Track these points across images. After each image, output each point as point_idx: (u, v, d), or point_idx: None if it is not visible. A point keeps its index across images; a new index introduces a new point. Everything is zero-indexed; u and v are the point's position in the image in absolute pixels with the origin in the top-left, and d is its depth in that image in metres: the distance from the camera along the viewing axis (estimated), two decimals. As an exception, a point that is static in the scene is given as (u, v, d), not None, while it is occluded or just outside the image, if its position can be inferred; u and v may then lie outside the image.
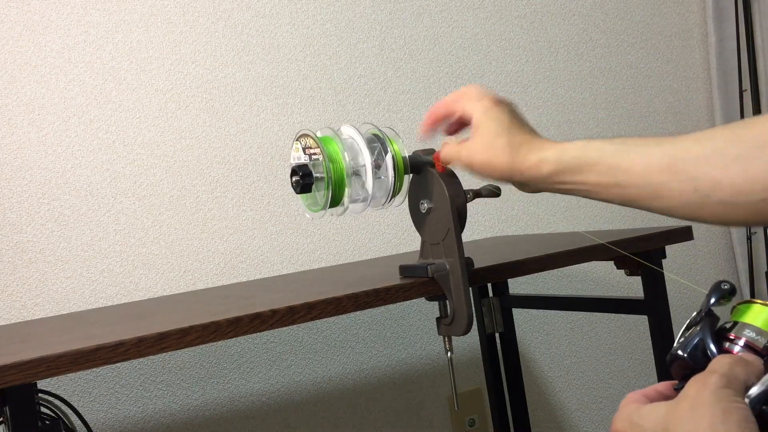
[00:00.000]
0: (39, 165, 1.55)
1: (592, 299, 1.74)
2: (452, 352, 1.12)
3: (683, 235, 1.37)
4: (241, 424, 1.69)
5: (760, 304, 0.62)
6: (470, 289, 1.05)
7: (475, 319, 1.38)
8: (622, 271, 1.39)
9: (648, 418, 0.61)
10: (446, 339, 1.11)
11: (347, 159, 1.02)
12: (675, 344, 0.64)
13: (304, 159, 1.02)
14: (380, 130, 1.05)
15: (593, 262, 1.37)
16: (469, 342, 1.84)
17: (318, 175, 1.01)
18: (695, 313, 0.65)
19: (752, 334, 0.61)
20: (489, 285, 1.74)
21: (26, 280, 1.53)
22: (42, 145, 1.55)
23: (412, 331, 1.88)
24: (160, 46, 1.66)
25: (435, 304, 1.10)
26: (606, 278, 2.08)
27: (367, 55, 1.87)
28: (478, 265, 1.10)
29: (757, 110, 2.19)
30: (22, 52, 1.55)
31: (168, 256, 1.64)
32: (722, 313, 0.66)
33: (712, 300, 0.64)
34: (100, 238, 1.59)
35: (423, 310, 1.88)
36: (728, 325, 0.63)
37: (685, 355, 0.63)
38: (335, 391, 1.79)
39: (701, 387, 0.58)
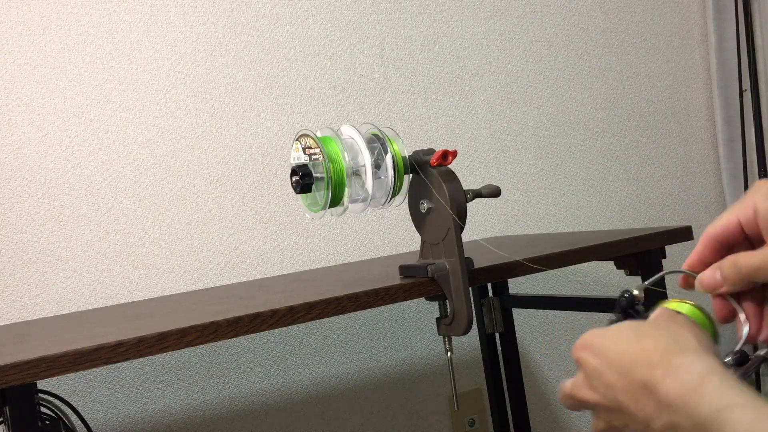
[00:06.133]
0: (39, 165, 1.55)
1: (592, 299, 1.74)
2: (452, 352, 1.12)
3: (683, 235, 1.36)
4: (241, 424, 1.69)
5: (678, 301, 0.70)
6: (470, 289, 1.05)
7: (475, 319, 1.38)
8: (622, 271, 1.39)
9: (621, 327, 0.64)
10: (446, 339, 1.11)
11: (347, 159, 1.02)
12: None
13: (304, 159, 1.02)
14: (380, 130, 1.05)
15: (593, 262, 1.37)
16: (469, 342, 1.84)
17: (318, 175, 1.01)
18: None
19: None
20: (489, 285, 1.74)
21: (26, 280, 1.53)
22: (42, 145, 1.55)
23: (412, 331, 1.88)
24: (160, 46, 1.66)
25: (435, 304, 1.10)
26: (606, 278, 2.08)
27: (367, 55, 1.87)
28: (478, 265, 1.10)
29: (757, 110, 2.19)
30: (22, 52, 1.55)
31: (168, 256, 1.64)
32: None
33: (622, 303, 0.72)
34: (100, 238, 1.59)
35: (423, 310, 1.88)
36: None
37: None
38: (335, 391, 1.79)
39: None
